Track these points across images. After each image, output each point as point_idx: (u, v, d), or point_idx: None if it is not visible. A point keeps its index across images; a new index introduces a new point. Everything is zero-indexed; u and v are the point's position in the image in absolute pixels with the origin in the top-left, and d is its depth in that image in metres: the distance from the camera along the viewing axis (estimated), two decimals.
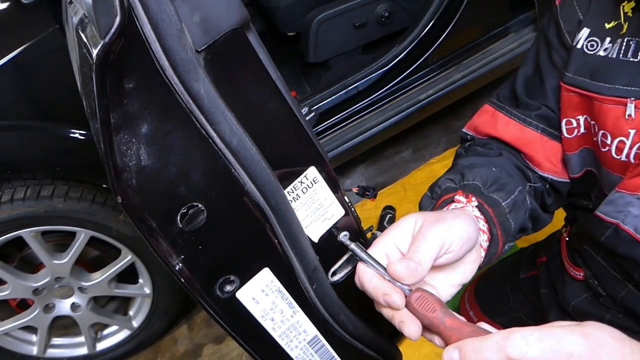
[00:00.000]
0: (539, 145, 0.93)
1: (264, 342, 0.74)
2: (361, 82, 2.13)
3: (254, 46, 0.61)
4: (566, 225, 1.11)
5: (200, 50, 0.57)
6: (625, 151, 0.82)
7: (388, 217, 2.20)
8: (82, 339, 2.03)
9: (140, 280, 1.94)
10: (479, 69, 2.22)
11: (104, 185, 1.72)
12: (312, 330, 0.77)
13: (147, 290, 1.94)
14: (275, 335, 0.74)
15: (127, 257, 1.83)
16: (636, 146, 0.79)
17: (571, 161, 0.92)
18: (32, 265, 1.87)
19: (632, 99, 0.78)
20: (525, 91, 0.95)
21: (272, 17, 2.49)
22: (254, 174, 0.62)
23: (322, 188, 0.71)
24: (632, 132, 0.79)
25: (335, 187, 0.73)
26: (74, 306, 1.93)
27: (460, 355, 0.53)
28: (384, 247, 0.67)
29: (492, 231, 0.80)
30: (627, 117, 0.79)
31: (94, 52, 0.47)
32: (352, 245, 0.68)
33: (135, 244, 1.80)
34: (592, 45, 0.84)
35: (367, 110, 2.16)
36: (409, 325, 0.64)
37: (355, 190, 1.96)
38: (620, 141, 0.82)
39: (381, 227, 2.18)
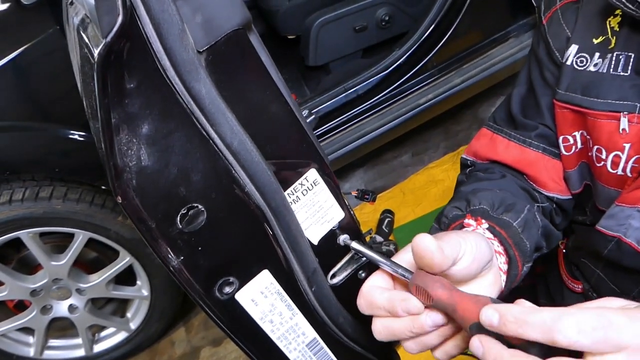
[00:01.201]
0: (541, 165, 0.92)
1: (262, 344, 0.74)
2: (361, 85, 2.13)
3: (255, 47, 0.61)
4: (562, 238, 1.10)
5: (201, 50, 0.56)
6: (621, 165, 0.82)
7: (387, 220, 2.20)
8: (79, 340, 2.02)
9: (138, 282, 1.93)
10: (479, 74, 2.23)
11: (103, 187, 1.72)
12: (311, 333, 0.77)
13: (145, 292, 1.94)
14: (274, 337, 0.74)
15: (125, 259, 1.83)
16: (632, 160, 0.79)
17: (571, 178, 0.92)
18: (29, 267, 1.87)
19: (625, 113, 0.78)
20: (521, 111, 0.95)
21: (273, 20, 2.50)
22: (255, 175, 0.62)
23: (323, 190, 0.70)
24: (627, 146, 0.79)
25: (335, 190, 0.72)
26: (71, 308, 1.93)
27: (500, 321, 0.48)
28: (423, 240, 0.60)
29: (508, 253, 0.77)
30: (620, 131, 0.79)
31: (96, 51, 0.47)
32: (354, 244, 0.68)
33: (134, 246, 1.80)
34: (581, 61, 0.84)
35: (367, 114, 2.16)
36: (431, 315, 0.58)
37: (354, 193, 1.96)
38: (616, 155, 0.82)
39: (380, 231, 2.17)
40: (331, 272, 0.77)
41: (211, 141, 0.58)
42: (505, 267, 0.77)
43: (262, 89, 0.63)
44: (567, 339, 0.45)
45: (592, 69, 0.82)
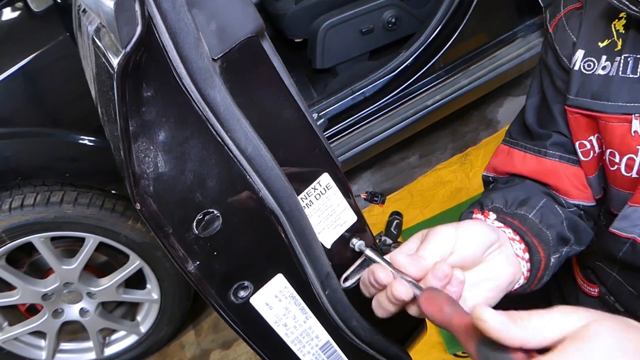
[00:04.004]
0: (561, 173, 0.92)
1: (276, 347, 0.75)
2: (368, 88, 2.14)
3: (268, 54, 0.62)
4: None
5: (216, 58, 0.57)
6: (636, 168, 0.81)
7: (395, 222, 2.21)
8: (90, 344, 2.04)
9: (148, 286, 1.95)
10: (486, 75, 2.23)
11: (113, 191, 1.73)
12: (325, 336, 0.77)
13: (155, 296, 1.95)
14: (288, 340, 0.74)
15: (135, 263, 1.84)
16: None
17: (592, 184, 0.92)
18: (41, 271, 1.88)
19: (637, 115, 0.78)
20: (536, 122, 0.95)
21: (280, 23, 2.51)
22: (269, 180, 0.63)
23: (335, 194, 0.71)
24: None
25: (347, 194, 0.73)
26: (82, 311, 1.94)
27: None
28: (396, 257, 0.65)
29: (525, 239, 0.78)
30: (632, 133, 0.79)
31: (115, 61, 0.48)
32: (368, 251, 0.69)
33: (144, 250, 1.81)
34: (589, 66, 0.84)
35: (374, 116, 2.16)
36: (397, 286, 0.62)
37: (363, 195, 1.96)
38: (630, 158, 0.82)
39: (389, 233, 2.18)
40: (344, 276, 0.77)
41: (226, 147, 0.59)
42: (524, 254, 0.77)
43: (275, 95, 0.64)
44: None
45: (600, 72, 0.83)
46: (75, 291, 1.88)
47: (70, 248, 1.84)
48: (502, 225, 0.79)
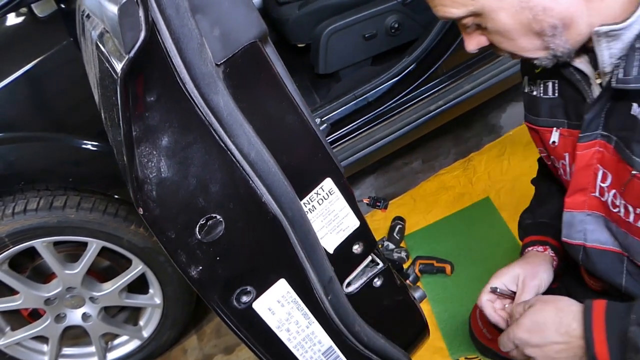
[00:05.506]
0: None
1: (279, 352, 0.74)
2: (371, 93, 2.13)
3: (271, 59, 0.62)
4: None
5: (219, 63, 0.57)
6: (568, 171, 0.99)
7: (398, 227, 2.20)
8: (92, 349, 2.03)
9: (151, 291, 1.94)
10: (489, 80, 2.22)
11: (116, 196, 1.73)
12: (327, 341, 0.77)
13: (158, 301, 1.95)
14: (290, 346, 0.74)
15: (137, 267, 1.84)
16: (572, 166, 0.96)
17: None
18: (44, 275, 1.88)
19: (555, 128, 0.99)
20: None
21: (283, 28, 2.51)
22: (272, 185, 0.63)
23: (338, 199, 0.71)
24: (566, 155, 0.98)
25: (350, 199, 0.73)
26: (85, 316, 1.94)
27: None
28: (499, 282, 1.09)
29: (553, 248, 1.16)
30: (551, 143, 1.00)
31: (119, 66, 0.48)
32: (370, 256, 0.69)
33: (146, 254, 1.80)
34: (530, 89, 1.04)
35: (377, 121, 2.16)
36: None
37: (366, 201, 1.96)
38: (563, 164, 1.00)
39: (391, 238, 2.17)
40: (347, 280, 0.77)
41: (229, 152, 0.59)
42: (554, 254, 1.14)
43: (278, 100, 0.64)
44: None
45: (535, 93, 1.02)
46: (77, 296, 1.87)
47: (73, 253, 1.84)
48: (553, 254, 1.14)
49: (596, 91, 0.88)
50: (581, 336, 0.86)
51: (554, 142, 0.98)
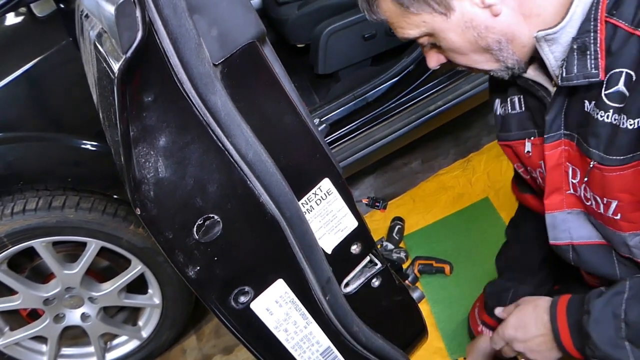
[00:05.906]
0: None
1: (277, 352, 0.74)
2: (370, 93, 2.13)
3: (269, 59, 0.62)
4: None
5: (217, 63, 0.57)
6: (545, 177, 1.02)
7: (397, 228, 2.20)
8: (91, 349, 2.03)
9: (150, 291, 1.94)
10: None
11: (115, 196, 1.73)
12: (325, 342, 0.77)
13: (157, 301, 1.95)
14: (288, 346, 0.74)
15: (137, 268, 1.84)
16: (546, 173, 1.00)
17: None
18: (43, 276, 1.88)
19: (527, 138, 1.04)
20: None
21: (282, 28, 2.51)
22: (269, 186, 0.63)
23: (336, 200, 0.71)
24: (542, 163, 1.01)
25: (348, 199, 0.73)
26: (84, 316, 1.94)
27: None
28: None
29: None
30: (526, 153, 1.05)
31: (116, 66, 0.48)
32: (369, 257, 0.69)
33: (145, 255, 1.80)
34: (501, 108, 1.10)
35: (377, 121, 2.16)
36: None
37: (365, 201, 1.95)
38: (540, 172, 1.04)
39: (390, 239, 2.17)
40: (345, 281, 0.77)
41: (227, 152, 0.59)
42: None
43: (276, 101, 0.64)
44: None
45: (504, 111, 1.08)
46: (76, 296, 1.87)
47: (72, 253, 1.83)
48: None
49: None
50: (551, 328, 0.97)
51: (528, 152, 1.05)
